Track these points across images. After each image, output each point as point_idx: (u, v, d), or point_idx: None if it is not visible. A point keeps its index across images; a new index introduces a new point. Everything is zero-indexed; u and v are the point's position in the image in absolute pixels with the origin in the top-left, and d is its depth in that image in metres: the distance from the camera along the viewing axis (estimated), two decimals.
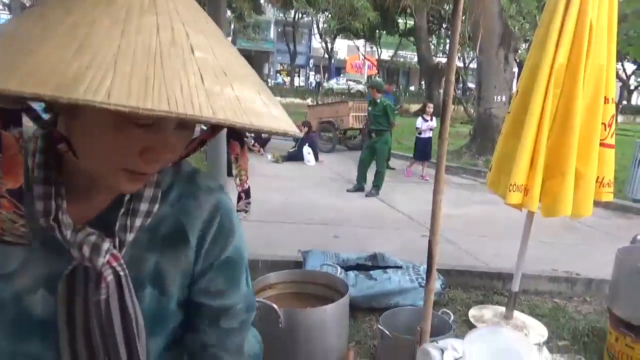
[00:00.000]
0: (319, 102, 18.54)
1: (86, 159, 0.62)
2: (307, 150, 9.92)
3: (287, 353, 2.32)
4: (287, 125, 0.56)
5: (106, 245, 0.65)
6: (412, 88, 35.15)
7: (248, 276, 0.84)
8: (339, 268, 3.25)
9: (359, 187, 7.61)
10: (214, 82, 0.49)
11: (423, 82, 26.42)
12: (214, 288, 0.79)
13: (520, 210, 2.97)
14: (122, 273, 0.66)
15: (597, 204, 2.92)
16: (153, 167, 0.63)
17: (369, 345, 3.01)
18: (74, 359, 0.68)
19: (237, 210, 0.76)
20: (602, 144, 2.83)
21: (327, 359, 2.40)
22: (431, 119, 8.70)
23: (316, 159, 10.04)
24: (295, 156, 9.99)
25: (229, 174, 2.36)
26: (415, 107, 23.21)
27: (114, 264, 0.66)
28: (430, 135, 8.62)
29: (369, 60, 35.04)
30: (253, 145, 9.21)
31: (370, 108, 7.84)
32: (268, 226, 5.06)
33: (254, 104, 0.52)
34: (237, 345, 0.83)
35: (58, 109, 0.62)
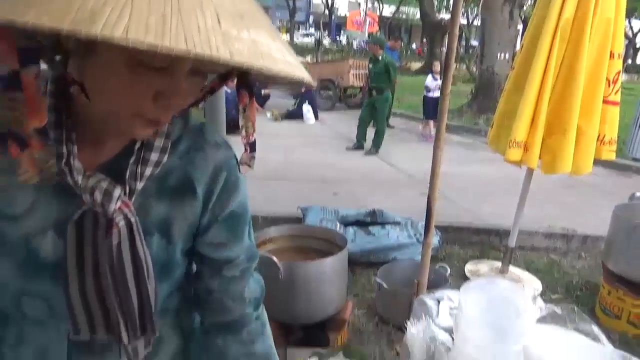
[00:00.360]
0: (319, 60, 18.21)
1: (99, 102, 0.62)
2: (306, 108, 9.83)
3: (287, 305, 2.37)
4: (301, 72, 0.55)
5: (117, 191, 0.66)
6: (413, 46, 34.44)
7: (250, 229, 0.86)
8: (338, 224, 3.28)
9: (358, 145, 7.59)
10: (231, 25, 0.48)
11: (425, 40, 25.83)
12: (218, 240, 0.81)
13: (520, 167, 2.97)
14: (133, 219, 0.67)
15: (596, 162, 2.91)
16: (166, 114, 0.63)
17: (367, 298, 3.09)
18: (83, 298, 0.70)
19: (241, 163, 0.75)
20: (605, 101, 2.79)
21: (326, 311, 2.46)
22: (440, 77, 8.55)
23: (316, 117, 9.97)
24: (295, 114, 9.92)
25: (228, 131, 2.34)
26: (416, 65, 22.80)
27: (125, 210, 0.67)
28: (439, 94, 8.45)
29: (370, 16, 34.20)
30: None
31: (371, 65, 7.71)
32: (268, 184, 5.08)
33: (269, 49, 0.51)
34: (238, 291, 0.86)
35: (69, 50, 0.60)
